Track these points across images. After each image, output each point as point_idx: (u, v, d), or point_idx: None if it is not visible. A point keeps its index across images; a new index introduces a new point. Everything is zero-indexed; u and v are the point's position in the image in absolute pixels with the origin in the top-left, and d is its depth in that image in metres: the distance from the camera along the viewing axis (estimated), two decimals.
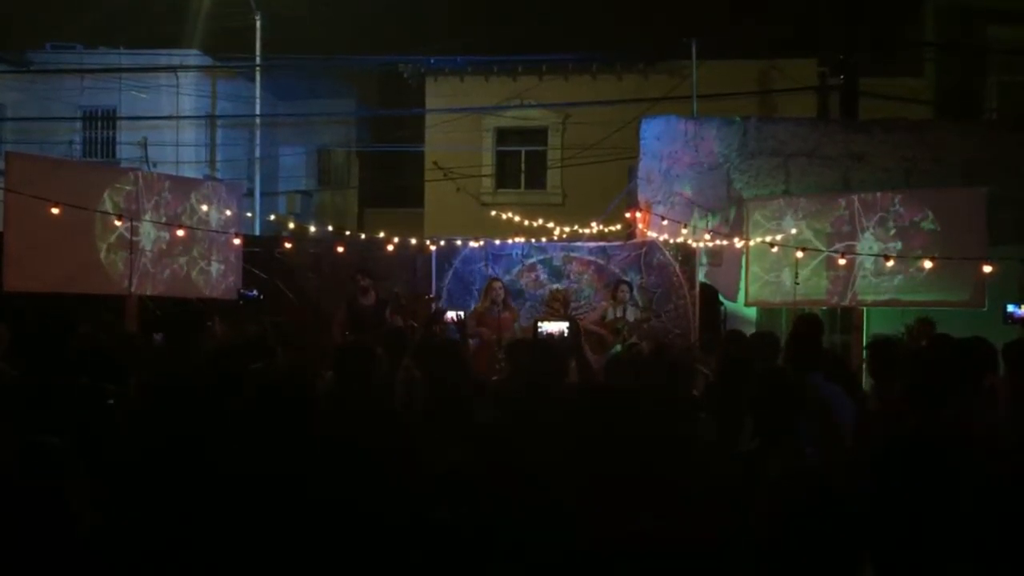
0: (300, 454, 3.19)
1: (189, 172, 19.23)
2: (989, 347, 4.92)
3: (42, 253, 8.42)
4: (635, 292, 10.27)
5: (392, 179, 23.22)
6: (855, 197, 10.44)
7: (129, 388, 4.15)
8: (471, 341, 9.25)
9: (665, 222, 11.17)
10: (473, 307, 10.19)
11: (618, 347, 9.31)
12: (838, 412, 4.63)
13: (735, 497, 3.11)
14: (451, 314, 9.33)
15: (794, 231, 10.49)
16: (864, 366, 5.82)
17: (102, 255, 9.03)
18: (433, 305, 10.57)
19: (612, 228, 12.55)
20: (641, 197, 11.96)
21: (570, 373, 5.59)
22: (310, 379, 4.27)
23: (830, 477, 3.61)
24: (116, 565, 2.66)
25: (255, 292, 9.76)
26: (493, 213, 13.36)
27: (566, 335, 5.40)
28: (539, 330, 6.13)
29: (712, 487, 3.20)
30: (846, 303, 10.33)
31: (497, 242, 11.15)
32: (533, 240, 11.49)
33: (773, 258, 10.51)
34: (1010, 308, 8.39)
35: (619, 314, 9.76)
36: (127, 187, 9.33)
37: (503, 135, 20.15)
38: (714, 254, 11.39)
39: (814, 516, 2.57)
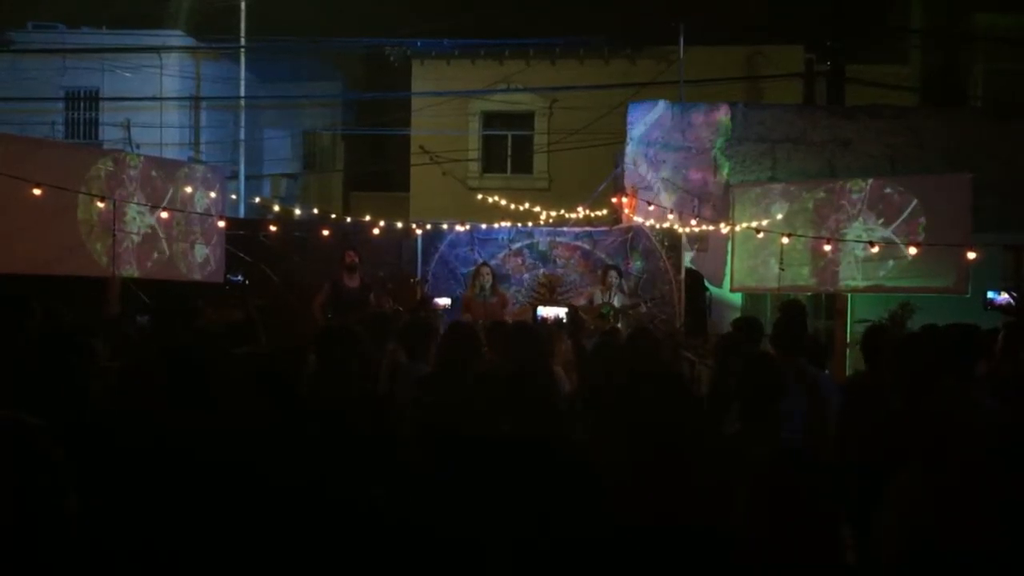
0: (283, 438, 3.18)
1: (173, 154, 19.07)
2: (980, 334, 4.97)
3: (25, 234, 8.34)
4: (623, 278, 10.27)
5: (378, 162, 23.14)
6: (840, 183, 10.48)
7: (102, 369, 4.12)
8: None
9: (651, 207, 11.18)
10: (459, 293, 10.19)
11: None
12: (826, 394, 4.69)
13: (723, 478, 3.13)
14: (440, 301, 9.33)
15: (780, 217, 10.52)
16: (850, 351, 5.85)
17: (85, 237, 8.97)
18: (419, 289, 10.55)
19: (598, 213, 12.55)
20: (627, 182, 11.96)
21: (561, 355, 5.60)
22: (295, 363, 4.26)
23: (816, 456, 3.64)
24: (100, 547, 2.64)
25: (240, 277, 9.71)
26: (479, 197, 13.34)
27: (563, 320, 5.43)
28: (537, 315, 6.17)
29: (705, 469, 3.21)
30: (830, 289, 10.38)
31: (483, 226, 11.13)
32: (519, 225, 11.48)
33: (758, 244, 10.54)
34: (990, 295, 8.45)
35: (606, 299, 9.78)
36: (110, 169, 9.26)
37: (489, 119, 20.08)
38: (700, 240, 11.41)
39: (800, 494, 2.59)
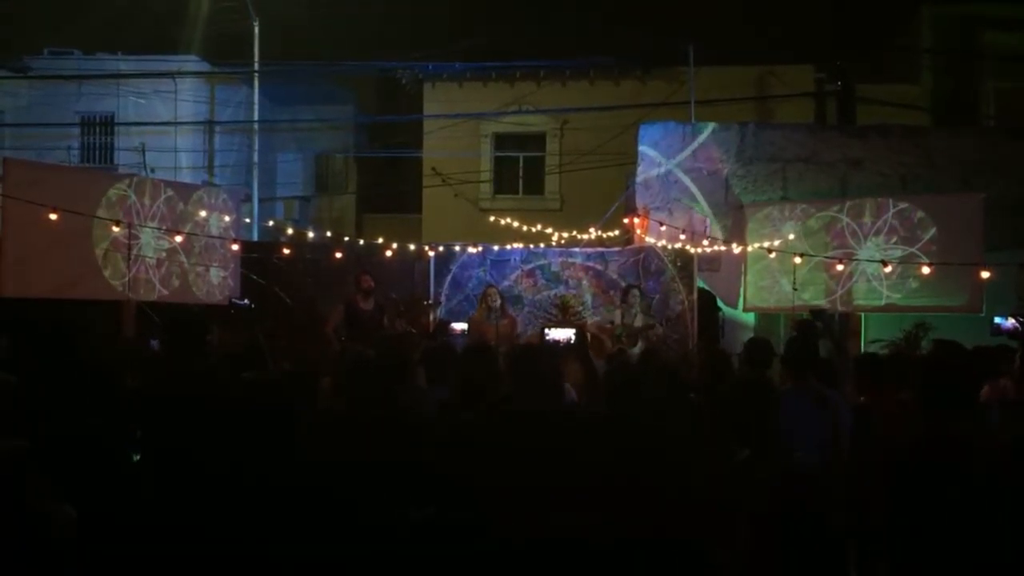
0: (290, 462, 3.20)
1: (187, 178, 19.22)
2: (990, 355, 4.97)
3: (40, 259, 8.41)
4: (642, 298, 10.27)
5: (390, 185, 23.22)
6: (852, 203, 10.47)
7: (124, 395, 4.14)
8: None
9: (663, 228, 11.20)
10: (470, 315, 10.21)
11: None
12: (839, 413, 4.68)
13: (724, 502, 3.13)
14: (456, 325, 9.36)
15: (792, 237, 10.52)
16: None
17: (100, 261, 9.03)
18: (431, 313, 10.58)
19: (610, 234, 12.58)
20: (639, 203, 11.98)
21: (572, 376, 5.60)
22: (305, 388, 4.28)
23: (825, 479, 3.63)
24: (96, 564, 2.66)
25: (246, 301, 9.74)
26: (491, 219, 13.37)
27: (572, 342, 5.45)
28: (546, 337, 6.19)
29: (696, 493, 3.21)
30: (844, 309, 10.35)
31: (495, 248, 11.17)
32: (531, 246, 11.51)
33: (771, 263, 10.53)
34: (997, 320, 8.48)
35: (627, 320, 9.81)
36: (125, 193, 9.34)
37: (501, 141, 20.15)
38: (712, 260, 11.41)
39: (807, 517, 2.59)
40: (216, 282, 10.20)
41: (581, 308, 10.75)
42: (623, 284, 10.49)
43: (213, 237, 10.11)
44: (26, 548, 2.48)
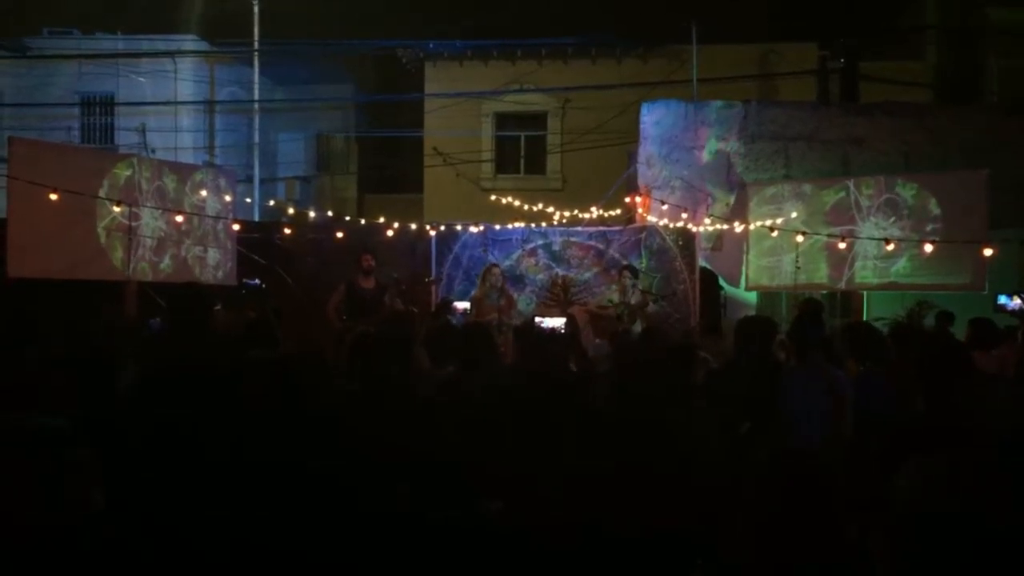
0: (297, 441, 3.19)
1: (187, 158, 19.15)
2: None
3: (45, 239, 8.38)
4: (636, 278, 10.28)
5: (391, 164, 23.18)
6: (855, 181, 10.44)
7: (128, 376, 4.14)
8: None
9: (665, 207, 11.17)
10: (472, 293, 10.19)
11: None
12: (844, 392, 4.68)
13: (725, 481, 3.13)
14: (459, 304, 9.35)
15: (794, 215, 10.49)
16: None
17: (103, 241, 9.01)
18: (433, 288, 10.58)
19: (612, 213, 12.54)
20: (641, 182, 11.95)
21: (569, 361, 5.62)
22: (312, 366, 4.27)
23: (825, 456, 3.62)
24: (115, 549, 2.66)
25: (257, 281, 9.76)
26: (493, 198, 13.34)
27: (563, 330, 5.46)
28: (538, 324, 6.18)
29: (700, 473, 3.21)
30: (846, 287, 10.34)
31: (497, 227, 11.14)
32: (533, 225, 11.48)
33: (773, 242, 10.51)
34: (1001, 299, 8.49)
35: (624, 299, 9.80)
36: (126, 173, 9.32)
37: (502, 120, 20.09)
38: (715, 239, 11.39)
39: (804, 494, 2.59)
40: (213, 263, 10.19)
41: (580, 288, 10.73)
42: (622, 264, 10.46)
43: (213, 217, 10.09)
44: (55, 533, 2.47)
